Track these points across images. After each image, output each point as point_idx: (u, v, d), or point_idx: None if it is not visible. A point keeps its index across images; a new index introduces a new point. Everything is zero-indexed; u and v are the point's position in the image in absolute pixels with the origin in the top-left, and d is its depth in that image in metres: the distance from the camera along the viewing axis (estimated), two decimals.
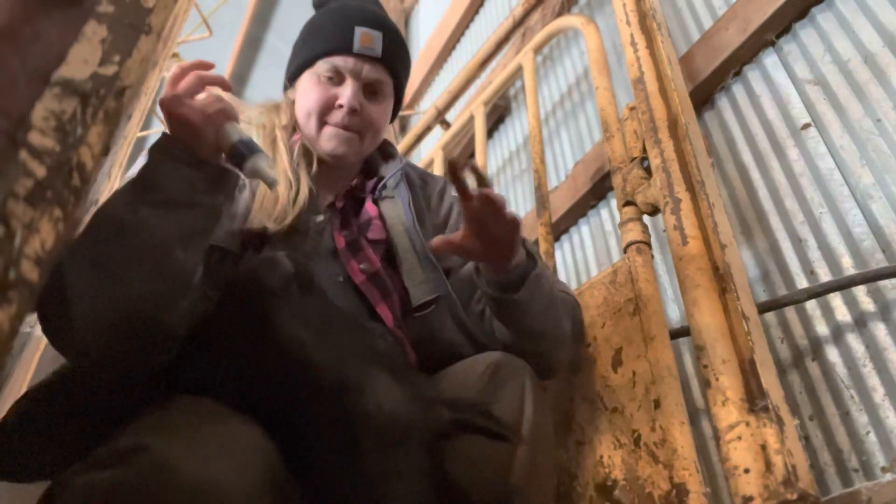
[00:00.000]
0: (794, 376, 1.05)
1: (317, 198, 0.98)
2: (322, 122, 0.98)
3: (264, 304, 0.72)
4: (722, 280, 0.95)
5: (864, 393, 0.95)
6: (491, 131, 2.23)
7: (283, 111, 1.04)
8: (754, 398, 0.83)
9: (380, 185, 1.04)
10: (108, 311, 0.66)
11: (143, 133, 2.03)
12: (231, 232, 0.87)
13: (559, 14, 1.89)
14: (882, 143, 1.04)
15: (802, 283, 1.08)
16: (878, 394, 0.93)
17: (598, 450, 1.01)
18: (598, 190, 1.59)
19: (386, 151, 1.11)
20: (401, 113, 2.93)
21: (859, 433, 0.94)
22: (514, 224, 0.82)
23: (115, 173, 0.71)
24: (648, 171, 1.17)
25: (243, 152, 0.74)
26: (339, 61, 0.98)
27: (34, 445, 0.73)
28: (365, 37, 0.99)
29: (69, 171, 0.41)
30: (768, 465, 0.77)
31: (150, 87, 0.69)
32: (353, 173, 1.07)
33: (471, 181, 0.80)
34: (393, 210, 1.01)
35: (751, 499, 0.76)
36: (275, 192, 0.91)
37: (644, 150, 1.20)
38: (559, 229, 1.70)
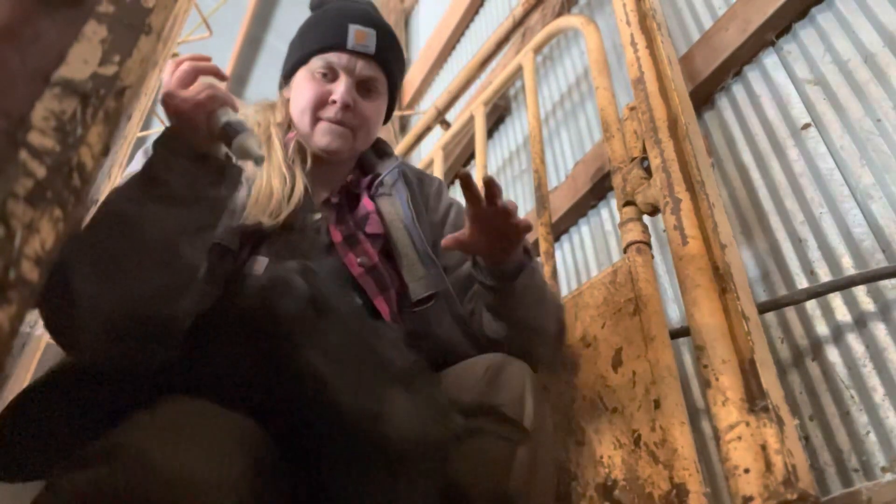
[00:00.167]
0: (795, 376, 1.05)
1: (312, 194, 0.98)
2: (316, 118, 0.99)
3: (280, 330, 0.71)
4: (722, 280, 0.95)
5: (864, 393, 0.95)
6: (491, 131, 2.23)
7: (279, 109, 1.05)
8: (754, 398, 0.83)
9: (376, 182, 1.04)
10: (113, 307, 0.66)
11: (143, 133, 2.03)
12: (230, 229, 0.87)
13: (559, 14, 1.88)
14: (882, 143, 1.04)
15: (802, 283, 1.08)
16: (878, 394, 0.93)
17: (598, 450, 1.01)
18: (598, 190, 1.59)
19: (381, 150, 1.12)
20: (401, 113, 2.95)
21: (859, 433, 0.94)
22: (525, 228, 0.85)
23: (115, 173, 0.71)
24: (648, 171, 1.17)
25: (230, 133, 0.75)
26: (333, 58, 0.99)
27: (31, 445, 0.73)
28: (359, 34, 0.99)
29: (69, 171, 0.40)
30: (768, 465, 0.77)
31: (150, 87, 0.68)
32: (348, 170, 1.07)
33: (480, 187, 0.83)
34: (391, 207, 1.02)
35: (751, 499, 0.76)
36: (269, 187, 0.91)
37: (644, 150, 1.20)
38: (559, 229, 1.70)
